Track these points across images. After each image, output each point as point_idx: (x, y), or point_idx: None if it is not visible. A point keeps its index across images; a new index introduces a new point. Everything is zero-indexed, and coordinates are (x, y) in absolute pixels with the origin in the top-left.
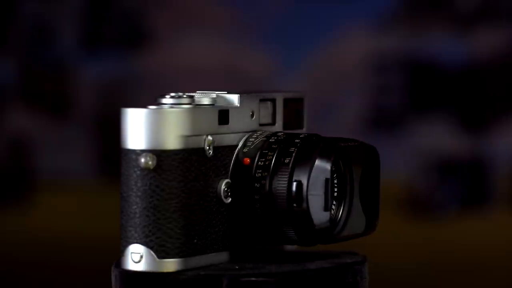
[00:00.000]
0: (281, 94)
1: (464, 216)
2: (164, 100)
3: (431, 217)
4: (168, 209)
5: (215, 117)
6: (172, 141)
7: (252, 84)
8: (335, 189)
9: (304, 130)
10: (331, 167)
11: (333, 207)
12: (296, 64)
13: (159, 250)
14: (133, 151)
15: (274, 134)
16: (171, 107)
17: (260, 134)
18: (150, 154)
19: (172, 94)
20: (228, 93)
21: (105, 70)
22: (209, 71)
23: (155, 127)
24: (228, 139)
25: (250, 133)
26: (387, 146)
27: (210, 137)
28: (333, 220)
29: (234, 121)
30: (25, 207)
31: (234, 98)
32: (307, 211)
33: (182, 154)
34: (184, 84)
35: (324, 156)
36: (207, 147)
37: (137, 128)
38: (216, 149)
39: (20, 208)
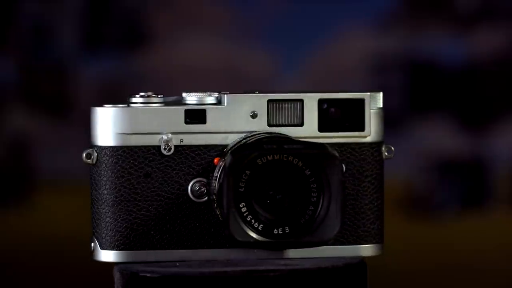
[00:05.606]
0: (316, 95)
1: (464, 216)
2: (133, 99)
3: (431, 217)
4: (108, 202)
5: (179, 116)
6: (110, 139)
7: (252, 84)
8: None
9: (365, 132)
10: (228, 169)
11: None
12: (296, 64)
13: (102, 241)
14: (89, 146)
15: (254, 135)
16: (115, 106)
17: (246, 135)
18: (90, 150)
19: (142, 93)
20: (220, 93)
21: (105, 70)
22: (209, 71)
23: (99, 124)
24: (205, 139)
25: (246, 134)
26: None
27: (167, 136)
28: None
29: (217, 121)
30: (25, 207)
31: (222, 99)
32: (225, 214)
33: (124, 151)
34: (184, 84)
35: (233, 157)
36: (164, 146)
37: (92, 126)
38: (186, 148)
39: (20, 208)
